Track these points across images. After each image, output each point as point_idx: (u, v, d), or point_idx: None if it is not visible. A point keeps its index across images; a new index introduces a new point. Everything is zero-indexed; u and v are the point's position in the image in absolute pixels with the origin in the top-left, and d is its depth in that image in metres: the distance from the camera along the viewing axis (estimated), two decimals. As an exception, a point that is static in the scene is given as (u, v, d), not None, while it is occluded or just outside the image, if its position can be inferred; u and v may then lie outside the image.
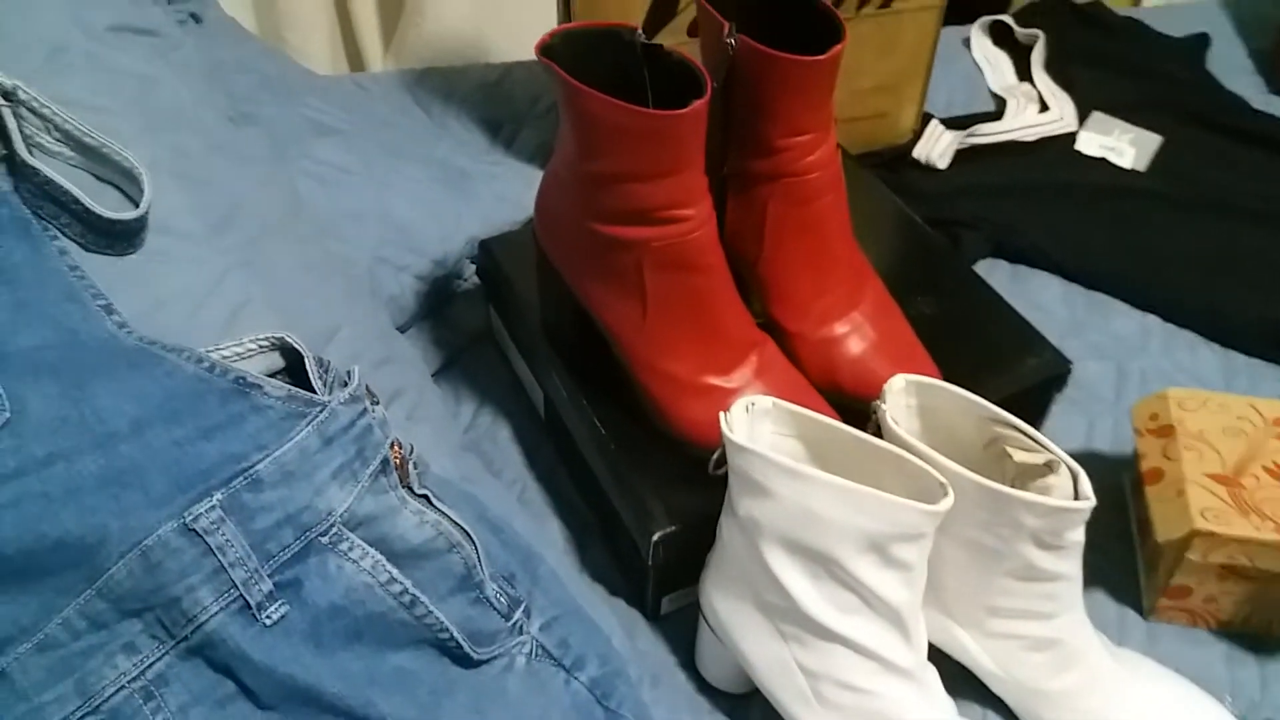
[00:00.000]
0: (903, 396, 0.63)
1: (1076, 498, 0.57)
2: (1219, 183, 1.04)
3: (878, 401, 0.62)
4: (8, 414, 0.47)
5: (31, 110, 0.54)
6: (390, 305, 0.86)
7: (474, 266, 0.90)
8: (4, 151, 0.52)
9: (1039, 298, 0.96)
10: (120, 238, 0.55)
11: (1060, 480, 0.58)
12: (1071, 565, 0.60)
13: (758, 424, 0.62)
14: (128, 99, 0.61)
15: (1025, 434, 0.59)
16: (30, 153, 0.53)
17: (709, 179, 0.70)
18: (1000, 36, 1.23)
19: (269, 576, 0.48)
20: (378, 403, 0.54)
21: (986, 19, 1.23)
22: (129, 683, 0.47)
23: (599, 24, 0.63)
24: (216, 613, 0.47)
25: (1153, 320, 0.94)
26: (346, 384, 0.52)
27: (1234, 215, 1.00)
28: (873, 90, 1.03)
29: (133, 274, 0.55)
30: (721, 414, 0.60)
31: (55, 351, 0.49)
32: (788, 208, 0.69)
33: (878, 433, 0.62)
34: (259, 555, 0.48)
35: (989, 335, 0.79)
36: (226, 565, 0.47)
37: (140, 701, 0.47)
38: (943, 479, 0.56)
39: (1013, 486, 0.59)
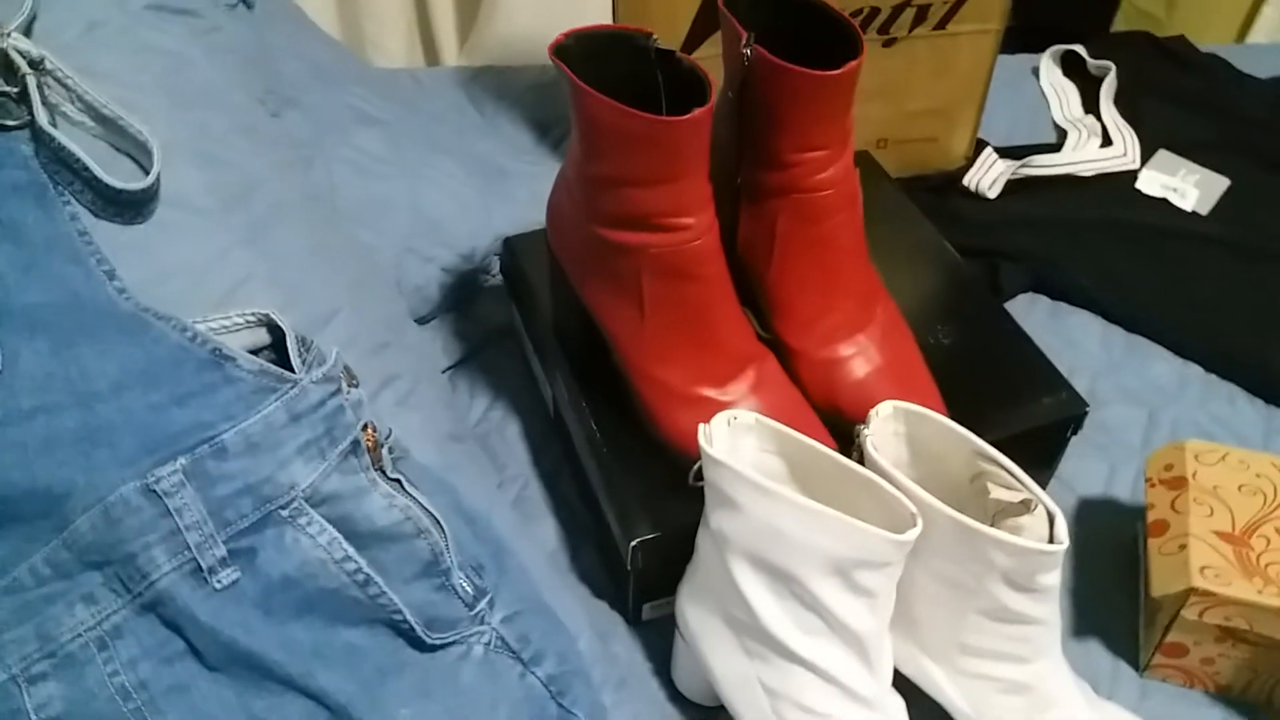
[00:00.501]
0: (890, 423, 0.62)
1: (1052, 540, 0.55)
2: (1283, 231, 0.99)
3: (861, 426, 0.61)
4: (0, 366, 0.49)
5: (57, 80, 0.57)
6: (414, 295, 0.88)
7: (499, 263, 0.91)
8: (27, 118, 0.55)
9: (1076, 336, 0.94)
10: (128, 206, 0.57)
11: (1034, 521, 0.56)
12: (1046, 610, 0.58)
13: (742, 439, 0.62)
14: (156, 75, 0.63)
15: (1008, 471, 0.58)
16: (54, 121, 0.56)
17: (724, 188, 0.70)
18: (1071, 67, 1.20)
19: (224, 543, 0.49)
20: (356, 385, 0.56)
21: (1059, 48, 1.20)
22: (85, 631, 0.49)
23: (614, 27, 0.63)
24: (169, 572, 0.49)
25: (1194, 369, 0.91)
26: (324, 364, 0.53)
27: (1293, 267, 0.95)
28: (924, 113, 1.01)
29: (140, 243, 0.57)
30: (701, 425, 0.60)
31: (54, 311, 0.51)
32: (797, 224, 0.68)
33: (861, 457, 0.61)
34: (216, 521, 0.49)
35: (1006, 370, 0.77)
36: (182, 527, 0.49)
37: (94, 650, 0.49)
38: (914, 509, 0.55)
39: (992, 523, 0.58)
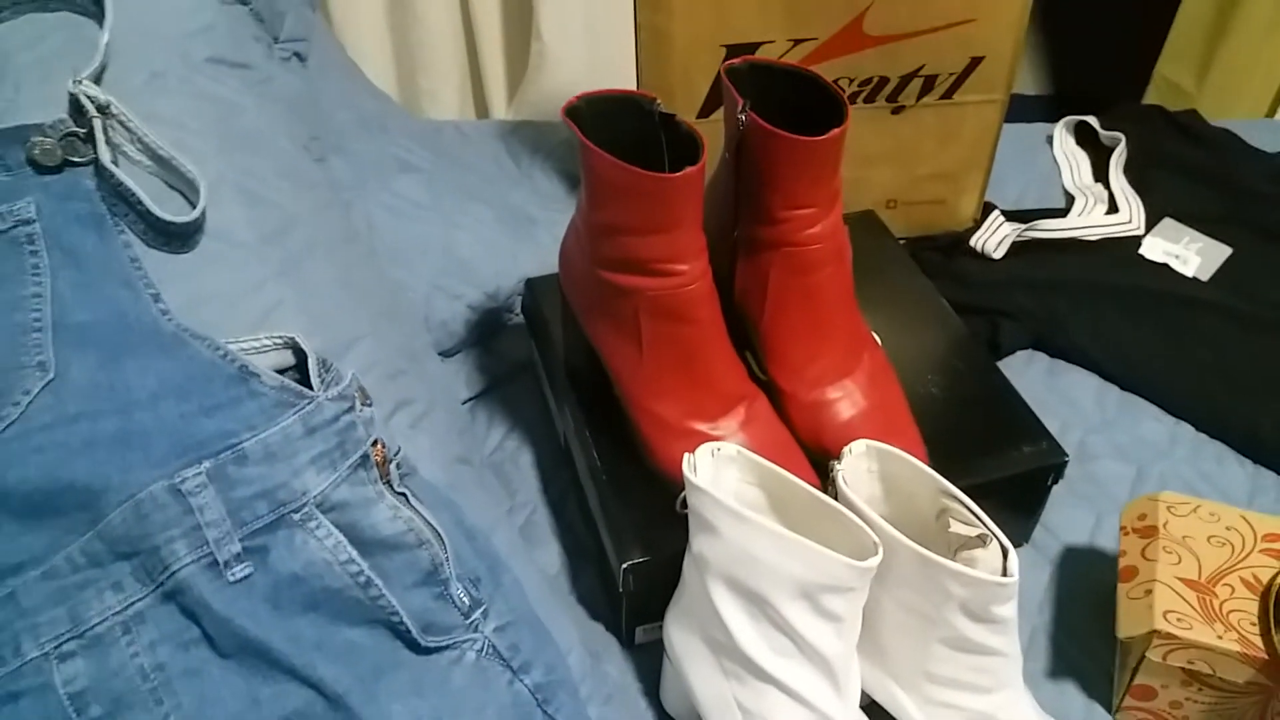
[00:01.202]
0: (864, 460, 0.66)
1: (1005, 574, 0.59)
2: (1281, 301, 1.02)
3: (835, 461, 0.65)
4: (52, 375, 0.56)
5: (121, 123, 0.64)
6: (440, 330, 0.94)
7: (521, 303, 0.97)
8: (93, 156, 0.62)
9: (1072, 393, 0.97)
10: (176, 237, 0.63)
11: (988, 555, 0.60)
12: (1004, 641, 0.62)
13: (724, 469, 0.66)
14: (209, 121, 0.70)
15: (968, 508, 0.62)
16: (115, 160, 0.63)
17: (722, 241, 0.75)
18: (1085, 137, 1.24)
19: (239, 540, 0.55)
20: (369, 404, 0.61)
21: (1072, 118, 1.25)
22: (112, 616, 0.54)
23: (622, 91, 0.69)
24: (189, 564, 0.54)
25: (1185, 429, 0.94)
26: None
27: (1289, 335, 0.98)
28: (932, 177, 1.06)
29: (184, 270, 0.64)
30: (686, 455, 0.65)
31: (104, 328, 0.58)
32: (788, 275, 0.73)
33: (836, 491, 0.65)
34: (233, 520, 0.55)
35: (991, 419, 0.81)
36: (203, 524, 0.54)
37: (119, 633, 0.54)
38: (875, 539, 0.59)
39: (953, 557, 0.61)
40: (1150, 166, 1.17)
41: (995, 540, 0.60)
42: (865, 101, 1.00)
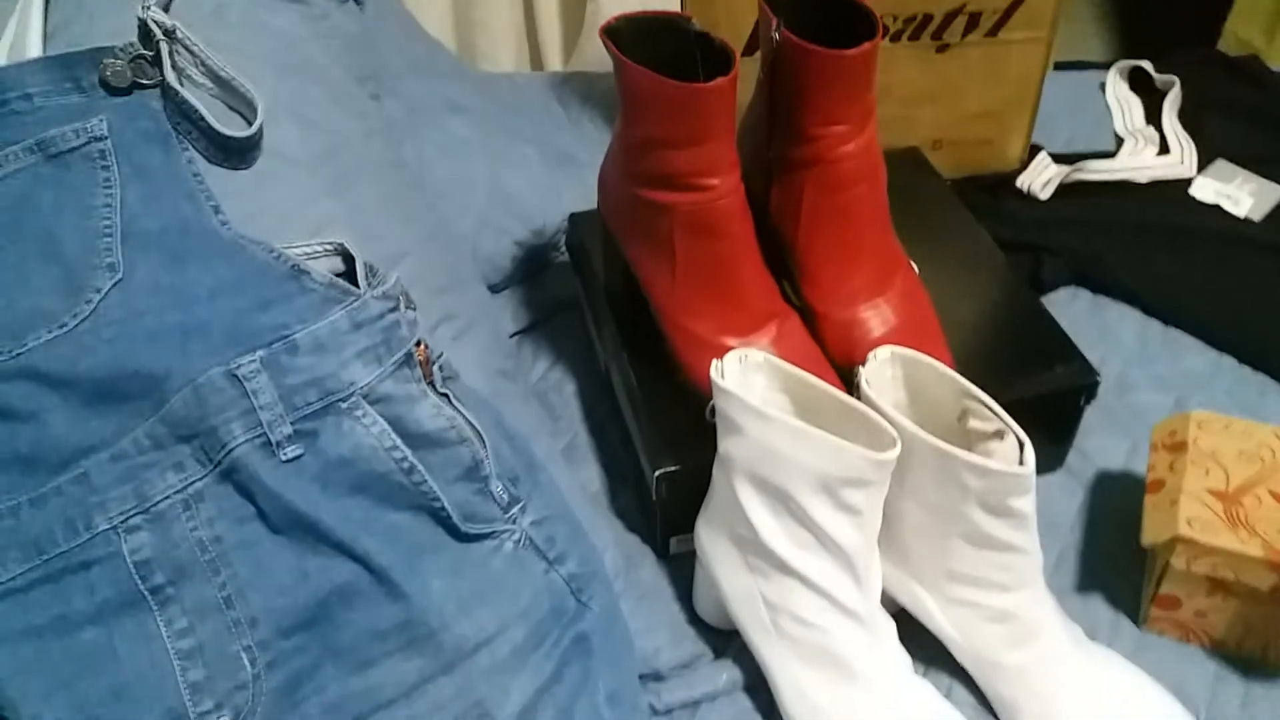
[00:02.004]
0: (888, 367, 0.68)
1: (1021, 465, 0.61)
2: (1335, 239, 1.01)
3: (860, 366, 0.67)
4: (120, 275, 0.60)
5: (185, 47, 0.68)
6: (487, 264, 0.98)
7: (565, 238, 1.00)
8: (160, 78, 0.66)
9: (1114, 328, 0.97)
10: (235, 153, 0.67)
11: (1005, 447, 0.61)
12: (1023, 537, 0.63)
13: (752, 376, 0.68)
14: (267, 49, 0.75)
15: (986, 406, 0.63)
16: (180, 82, 0.67)
17: (757, 164, 0.77)
18: (1138, 83, 1.23)
19: (291, 423, 0.58)
20: (413, 308, 0.65)
21: (1126, 63, 1.24)
22: (174, 494, 0.58)
23: (659, 12, 0.72)
24: (244, 443, 0.58)
25: (1227, 361, 0.93)
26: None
27: (1342, 272, 0.97)
28: (979, 116, 1.07)
29: (243, 186, 0.68)
30: (715, 361, 0.67)
31: (168, 235, 0.62)
32: (822, 193, 0.75)
33: (859, 395, 0.67)
34: (285, 405, 0.58)
35: (1024, 342, 0.82)
36: (257, 407, 0.58)
37: (180, 509, 0.59)
38: (894, 433, 0.61)
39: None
40: (1205, 109, 1.16)
41: (1012, 434, 0.61)
42: (910, 39, 1.01)
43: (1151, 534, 0.70)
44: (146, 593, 0.57)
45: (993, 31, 1.00)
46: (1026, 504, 0.61)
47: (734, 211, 0.72)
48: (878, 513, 0.63)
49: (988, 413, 0.63)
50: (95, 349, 0.59)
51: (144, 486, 0.58)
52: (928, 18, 0.99)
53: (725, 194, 0.71)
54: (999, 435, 0.62)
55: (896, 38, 1.00)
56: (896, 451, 0.60)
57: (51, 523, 0.57)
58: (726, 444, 0.66)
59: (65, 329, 0.59)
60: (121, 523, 0.58)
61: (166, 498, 0.58)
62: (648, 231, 0.74)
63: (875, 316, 0.76)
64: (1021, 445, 0.61)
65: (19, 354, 0.59)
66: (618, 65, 0.68)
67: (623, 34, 0.70)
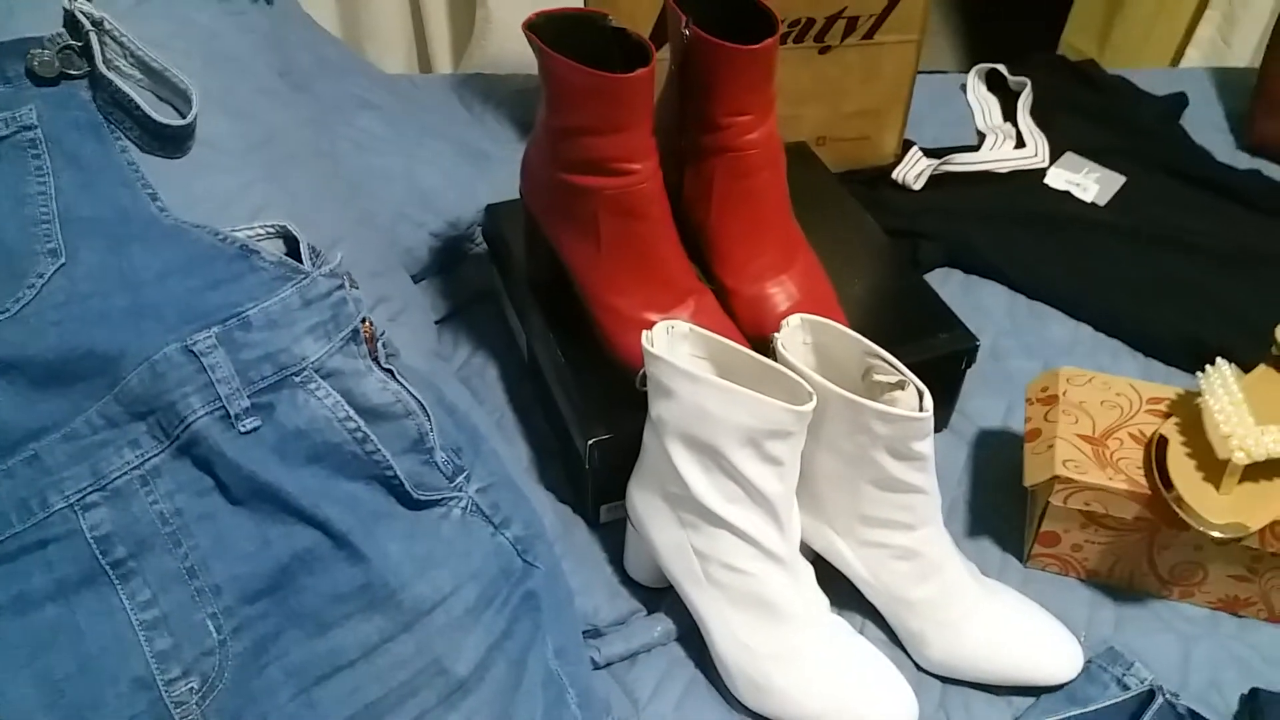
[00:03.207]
0: (800, 333, 0.74)
1: (921, 410, 0.68)
2: (1169, 221, 1.13)
3: (775, 334, 0.74)
4: (63, 260, 0.61)
5: (113, 39, 0.69)
6: (406, 256, 1.00)
7: (482, 230, 1.04)
8: (88, 68, 0.67)
9: (985, 303, 1.07)
10: (170, 142, 0.68)
11: (906, 396, 0.69)
12: (924, 479, 0.70)
13: (678, 345, 0.74)
14: (192, 41, 0.77)
15: (888, 362, 0.70)
16: (108, 71, 0.68)
17: (670, 153, 0.83)
18: (995, 84, 1.35)
19: (248, 396, 0.60)
20: (356, 287, 0.68)
21: (983, 66, 1.35)
22: (130, 470, 0.59)
23: (577, 10, 0.77)
24: (202, 416, 0.59)
25: (1085, 330, 1.04)
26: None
27: (1176, 249, 1.09)
28: (856, 114, 1.15)
29: (178, 174, 0.69)
30: (645, 331, 0.72)
31: (107, 222, 0.63)
32: (730, 179, 0.81)
33: (775, 358, 0.73)
34: (241, 379, 0.60)
35: (910, 313, 0.90)
36: (215, 381, 0.60)
37: (138, 485, 0.60)
38: (810, 389, 0.67)
39: (879, 407, 0.70)
40: (1053, 108, 1.28)
41: (912, 384, 0.69)
42: (795, 42, 1.09)
43: (1032, 476, 0.79)
44: (107, 567, 0.58)
45: (869, 34, 1.09)
46: (926, 446, 0.69)
47: (654, 195, 0.77)
48: (796, 463, 0.70)
49: (888, 367, 0.70)
50: (43, 332, 0.60)
51: (99, 464, 0.59)
52: (810, 21, 1.07)
53: (646, 178, 0.76)
54: (900, 386, 0.69)
55: (783, 40, 1.08)
56: (813, 405, 0.67)
57: (4, 504, 0.58)
58: (658, 408, 0.71)
59: (8, 314, 0.60)
60: (78, 500, 0.59)
61: (123, 474, 0.60)
62: (572, 215, 0.79)
63: (781, 291, 0.83)
64: (921, 394, 0.68)
65: (-41, 341, 0.60)
66: (542, 58, 0.73)
67: (543, 29, 0.75)
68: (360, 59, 1.17)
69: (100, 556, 0.58)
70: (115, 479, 0.60)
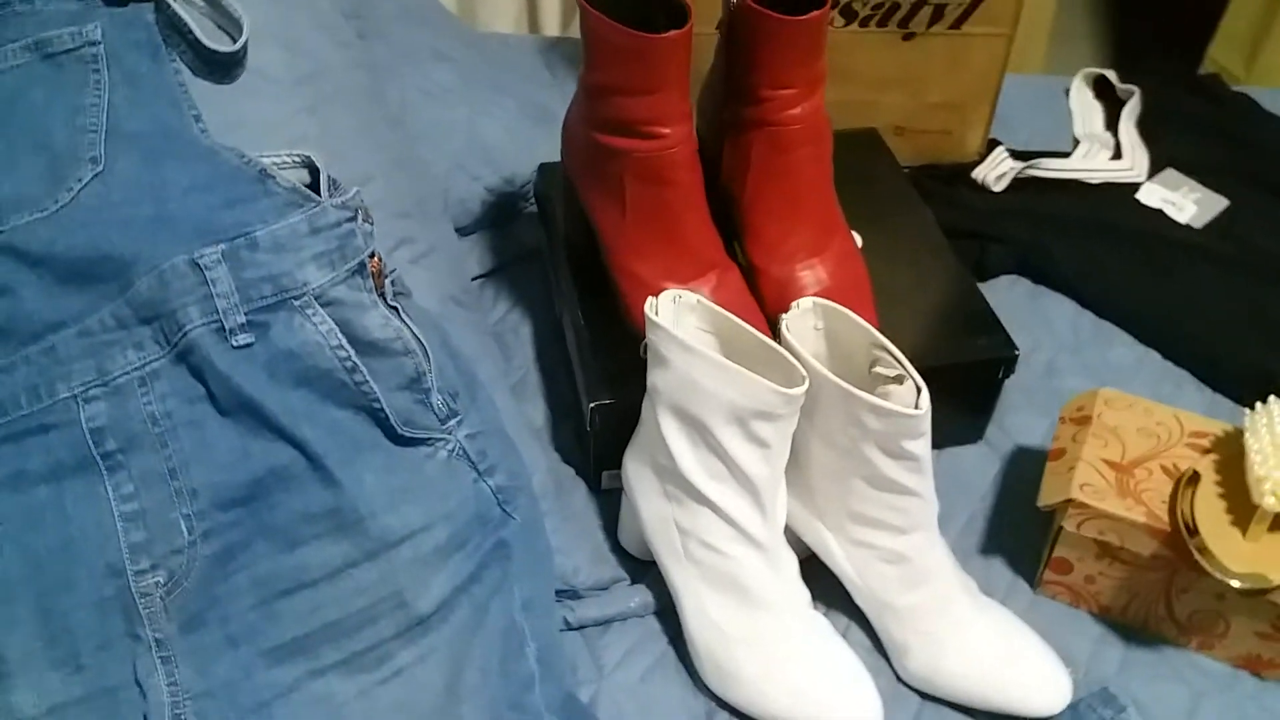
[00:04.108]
0: (810, 317, 0.72)
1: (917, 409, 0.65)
2: (1271, 252, 1.05)
3: (782, 314, 0.72)
4: (101, 168, 0.64)
5: (179, -34, 0.72)
6: (458, 207, 1.02)
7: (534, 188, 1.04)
8: (154, -8, 0.70)
9: (1050, 316, 1.02)
10: (220, 67, 0.71)
11: (903, 391, 0.66)
12: (918, 481, 0.67)
13: (684, 316, 0.73)
14: (257, -25, 0.79)
15: (892, 355, 0.67)
16: (172, -1, 0.71)
17: (715, 123, 0.81)
18: (1103, 92, 1.28)
19: (245, 313, 0.62)
20: (370, 222, 0.69)
21: (1091, 71, 1.28)
22: (133, 370, 0.62)
23: (626, -31, 0.76)
24: (199, 326, 0.62)
25: (1153, 357, 0.98)
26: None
27: (1272, 282, 1.01)
28: (939, 106, 1.11)
29: (225, 98, 0.71)
30: (650, 298, 0.71)
31: (149, 137, 0.66)
32: (768, 153, 0.79)
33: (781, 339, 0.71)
34: (241, 296, 0.62)
35: (951, 313, 0.86)
36: (214, 294, 0.62)
37: (136, 385, 0.63)
38: (803, 371, 0.65)
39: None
40: (1162, 120, 1.21)
41: (910, 380, 0.66)
42: (878, 25, 1.05)
43: (1047, 496, 0.74)
44: (98, 457, 0.61)
45: (956, 24, 1.05)
46: (920, 447, 0.66)
47: (682, 161, 0.76)
48: (785, 448, 0.68)
49: (891, 360, 0.67)
50: (72, 232, 0.63)
51: (105, 362, 0.62)
52: (895, 5, 1.03)
53: (676, 144, 0.75)
54: (899, 380, 0.66)
55: (865, 23, 1.05)
56: (802, 389, 0.65)
57: (17, 388, 0.61)
58: (654, 376, 0.70)
59: (46, 213, 0.64)
60: (81, 392, 0.62)
61: (125, 373, 0.62)
62: (602, 176, 0.79)
63: (809, 274, 0.80)
64: (919, 390, 0.65)
65: (1, 232, 0.63)
66: (582, 13, 0.73)
67: (593, -11, 0.75)
68: (445, 12, 1.19)
69: (93, 447, 0.61)
70: (117, 377, 0.62)
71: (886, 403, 0.64)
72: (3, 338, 0.62)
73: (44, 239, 0.63)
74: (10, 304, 0.63)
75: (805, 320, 0.72)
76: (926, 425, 0.65)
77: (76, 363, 0.62)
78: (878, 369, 0.68)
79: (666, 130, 0.74)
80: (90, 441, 0.61)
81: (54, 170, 0.64)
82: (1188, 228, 1.09)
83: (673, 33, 0.70)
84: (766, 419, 0.65)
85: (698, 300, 0.72)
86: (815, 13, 0.73)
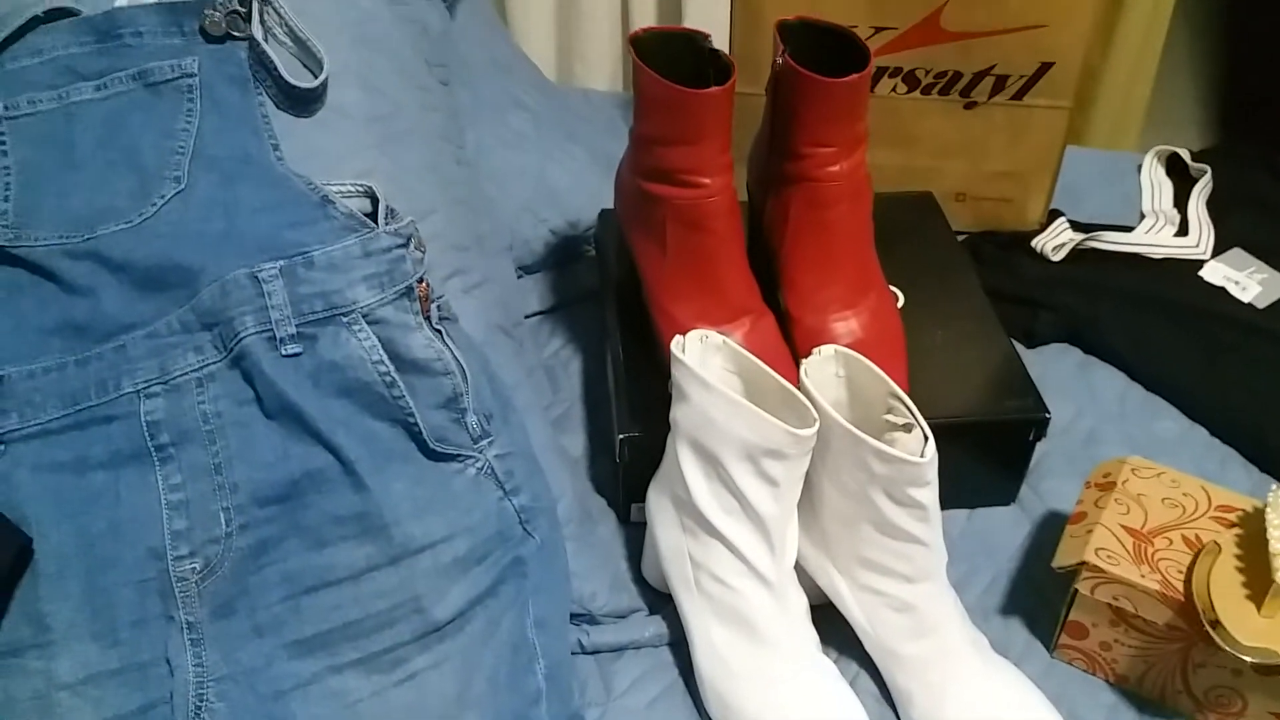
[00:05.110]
0: (831, 364, 0.74)
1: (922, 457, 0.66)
2: (1335, 337, 1.03)
3: (804, 359, 0.74)
4: (183, 187, 0.71)
5: (274, 9, 0.79)
6: (523, 247, 1.07)
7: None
8: (249, 33, 0.77)
9: (1097, 386, 1.01)
10: (299, 102, 0.78)
11: (909, 439, 0.67)
12: (925, 530, 0.69)
13: (711, 356, 0.76)
14: (347, 20, 0.85)
15: (904, 404, 0.69)
16: (265, 37, 0.78)
17: (762, 177, 0.85)
18: (1176, 169, 1.27)
19: (295, 325, 0.68)
20: (422, 250, 0.74)
21: (1164, 149, 1.28)
22: (191, 372, 0.68)
23: (678, 28, 0.81)
24: (253, 333, 0.67)
25: (1199, 433, 0.97)
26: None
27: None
28: (1000, 174, 1.12)
29: (303, 130, 0.78)
30: (677, 336, 0.75)
31: (230, 161, 0.73)
32: (806, 208, 0.82)
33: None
34: (293, 309, 0.68)
35: (986, 374, 0.87)
36: (270, 306, 0.67)
37: (194, 385, 0.68)
38: (815, 414, 0.68)
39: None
40: (1234, 201, 1.20)
41: (918, 428, 0.67)
42: (940, 94, 1.08)
43: (1062, 557, 0.75)
44: (153, 449, 0.67)
45: (1018, 95, 1.07)
46: (926, 496, 0.67)
47: (721, 211, 0.79)
48: (795, 488, 0.70)
49: (902, 408, 0.69)
50: (150, 242, 0.70)
51: (168, 362, 0.68)
52: (958, 75, 1.06)
53: (715, 193, 0.79)
54: (907, 429, 0.68)
55: (928, 90, 1.07)
56: (812, 430, 0.67)
57: (89, 381, 0.68)
58: (675, 410, 0.73)
59: (130, 224, 0.71)
60: (144, 388, 0.68)
61: (185, 374, 0.68)
62: (646, 221, 0.83)
63: (843, 325, 0.83)
64: (926, 439, 0.67)
65: (89, 239, 0.70)
66: (635, 67, 0.77)
67: (648, 44, 0.79)
68: (530, 65, 1.25)
69: (149, 439, 0.67)
70: (177, 377, 0.68)
71: (890, 448, 0.66)
72: (81, 334, 0.69)
73: (126, 247, 0.70)
74: (92, 304, 0.69)
75: (827, 367, 0.74)
76: (932, 474, 0.67)
77: (142, 361, 0.68)
78: (888, 416, 0.69)
79: (706, 180, 0.78)
80: (147, 434, 0.67)
81: (143, 186, 0.71)
82: (1250, 307, 1.07)
83: (714, 89, 0.74)
84: (777, 457, 0.68)
85: (723, 341, 0.75)
86: (855, 75, 0.76)
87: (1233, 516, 0.75)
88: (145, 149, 0.73)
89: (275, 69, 0.76)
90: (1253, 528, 0.73)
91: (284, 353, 0.68)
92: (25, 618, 0.65)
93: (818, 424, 0.67)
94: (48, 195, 0.71)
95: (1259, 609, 0.68)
